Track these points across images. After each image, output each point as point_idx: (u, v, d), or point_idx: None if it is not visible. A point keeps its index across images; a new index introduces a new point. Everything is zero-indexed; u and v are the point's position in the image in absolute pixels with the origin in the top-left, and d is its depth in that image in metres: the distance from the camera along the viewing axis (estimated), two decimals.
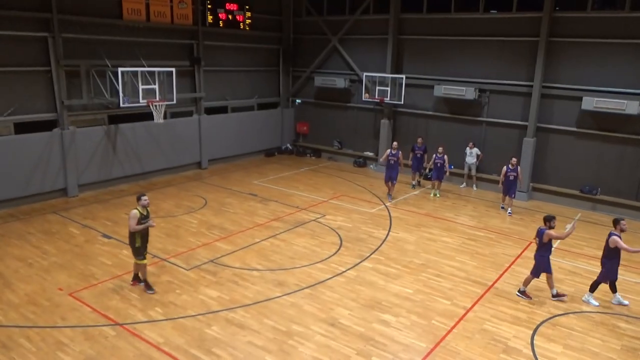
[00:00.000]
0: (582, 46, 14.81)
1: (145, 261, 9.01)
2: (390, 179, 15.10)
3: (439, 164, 15.54)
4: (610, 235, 8.92)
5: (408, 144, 18.78)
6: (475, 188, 17.03)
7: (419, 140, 16.68)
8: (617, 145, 14.63)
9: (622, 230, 8.91)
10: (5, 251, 10.69)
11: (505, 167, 14.28)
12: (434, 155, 15.62)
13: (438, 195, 15.87)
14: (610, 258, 8.97)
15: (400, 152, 15.06)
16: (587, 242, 12.42)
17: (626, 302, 9.27)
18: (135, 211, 8.65)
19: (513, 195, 14.38)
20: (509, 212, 14.39)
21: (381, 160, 15.60)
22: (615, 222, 9.00)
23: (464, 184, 17.27)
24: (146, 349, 7.36)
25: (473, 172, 16.92)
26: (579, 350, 7.73)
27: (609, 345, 7.90)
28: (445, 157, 15.50)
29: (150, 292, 9.01)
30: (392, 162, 14.97)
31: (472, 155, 16.68)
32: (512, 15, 15.93)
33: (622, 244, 8.73)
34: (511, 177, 14.18)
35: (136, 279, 9.29)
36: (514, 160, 14.26)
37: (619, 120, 14.29)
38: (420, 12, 17.85)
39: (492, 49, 16.49)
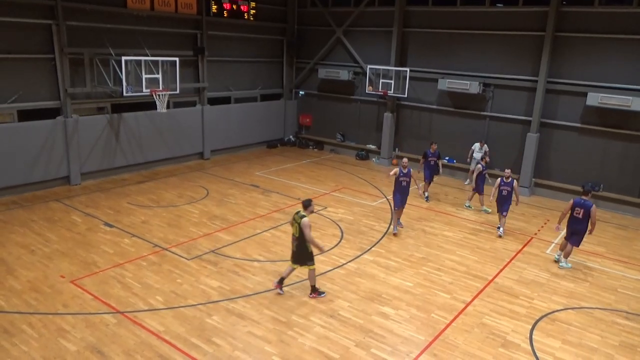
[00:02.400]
0: (588, 41, 14.69)
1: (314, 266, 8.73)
2: (402, 204, 12.04)
3: (485, 174, 13.78)
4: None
5: (411, 138, 18.81)
6: None
7: (433, 146, 14.83)
8: (622, 141, 14.56)
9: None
10: (8, 238, 10.75)
11: (498, 179, 12.34)
12: (479, 165, 13.70)
13: (489, 210, 13.88)
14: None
15: (411, 169, 12.11)
16: (587, 238, 12.33)
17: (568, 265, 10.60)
18: (307, 219, 8.30)
19: (505, 213, 12.18)
20: (500, 233, 12.21)
21: (390, 174, 12.21)
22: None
23: (468, 180, 16.90)
24: (146, 337, 7.42)
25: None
26: (578, 345, 7.75)
27: (607, 341, 7.93)
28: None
29: (322, 295, 8.83)
30: (404, 183, 11.78)
31: (481, 151, 16.21)
32: (518, 9, 15.80)
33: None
34: (504, 192, 12.13)
35: (315, 290, 8.88)
36: (507, 171, 12.30)
37: (624, 117, 14.21)
38: (426, 5, 17.73)
39: (497, 43, 16.38)
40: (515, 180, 12.28)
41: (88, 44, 14.44)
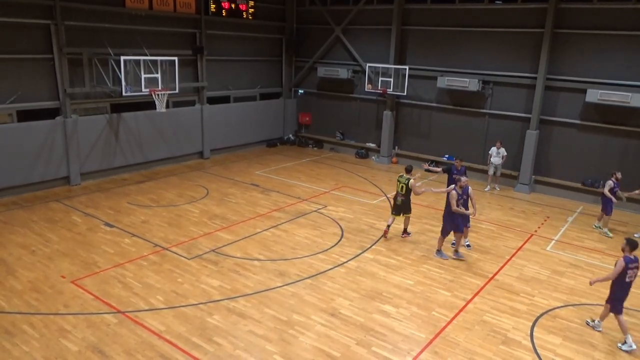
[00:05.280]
0: (587, 38, 14.68)
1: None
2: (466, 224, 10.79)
3: (617, 192, 12.40)
4: None
5: (411, 136, 18.79)
6: (498, 189, 16.14)
7: (459, 162, 12.49)
8: (621, 138, 14.56)
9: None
10: (9, 239, 10.75)
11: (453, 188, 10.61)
12: (610, 182, 12.39)
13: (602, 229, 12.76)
14: None
15: (469, 187, 10.62)
16: (587, 235, 12.43)
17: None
18: (412, 180, 10.78)
19: (467, 224, 10.92)
20: (462, 246, 11.04)
21: (453, 204, 10.29)
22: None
23: (488, 187, 16.12)
24: (147, 337, 7.42)
25: (498, 174, 15.88)
26: (578, 342, 7.76)
27: (608, 337, 7.93)
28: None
29: (410, 235, 11.62)
30: (462, 201, 10.44)
31: (498, 155, 15.67)
32: (517, 6, 15.79)
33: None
34: (460, 201, 10.41)
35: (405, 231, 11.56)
36: (463, 180, 10.42)
37: (624, 113, 14.20)
38: (425, 3, 17.71)
39: (496, 40, 16.37)
40: (470, 187, 10.58)
41: (87, 44, 14.42)
